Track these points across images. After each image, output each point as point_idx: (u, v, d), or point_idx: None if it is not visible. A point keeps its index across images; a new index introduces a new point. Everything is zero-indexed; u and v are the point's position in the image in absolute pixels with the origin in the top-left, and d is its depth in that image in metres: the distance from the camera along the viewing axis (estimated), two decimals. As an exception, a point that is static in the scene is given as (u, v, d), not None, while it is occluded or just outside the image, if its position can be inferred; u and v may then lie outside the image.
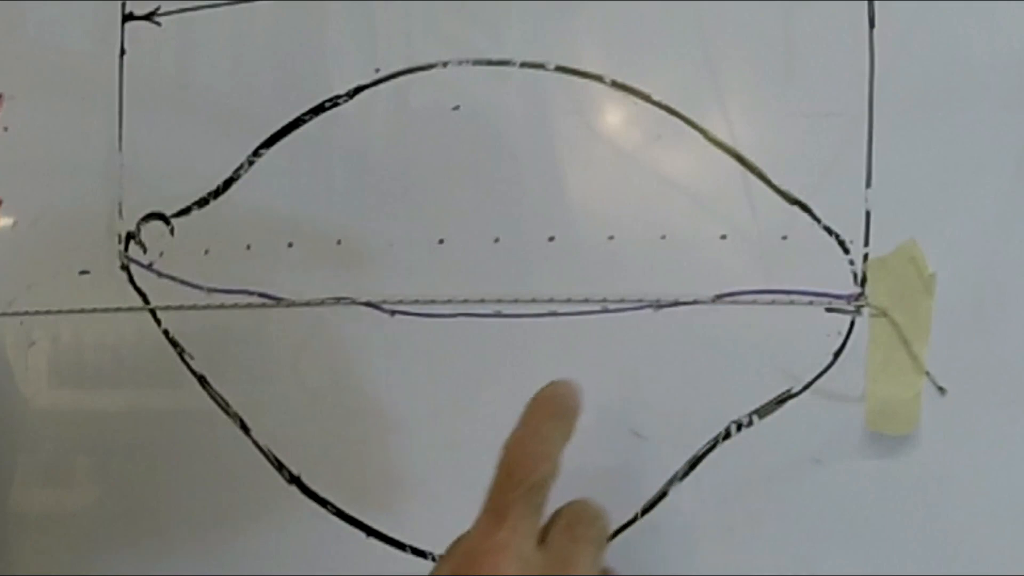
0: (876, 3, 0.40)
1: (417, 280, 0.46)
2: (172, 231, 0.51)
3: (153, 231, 0.52)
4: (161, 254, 0.52)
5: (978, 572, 0.38)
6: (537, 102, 0.45)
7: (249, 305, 0.49)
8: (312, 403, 0.49)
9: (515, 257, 0.45)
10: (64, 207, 0.54)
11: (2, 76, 0.56)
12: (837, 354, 0.40)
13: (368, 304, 0.47)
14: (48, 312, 0.54)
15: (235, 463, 0.50)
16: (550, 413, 0.35)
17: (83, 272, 0.53)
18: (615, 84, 0.43)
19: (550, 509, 0.35)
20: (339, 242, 0.48)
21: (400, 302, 0.46)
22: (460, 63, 0.46)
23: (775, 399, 0.41)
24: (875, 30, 0.40)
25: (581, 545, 0.33)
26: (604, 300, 0.43)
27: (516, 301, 0.44)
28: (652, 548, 0.42)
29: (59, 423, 0.55)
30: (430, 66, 0.46)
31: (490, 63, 0.46)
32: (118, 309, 0.52)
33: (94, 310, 0.53)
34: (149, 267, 0.52)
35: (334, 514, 0.48)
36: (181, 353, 0.51)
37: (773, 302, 0.41)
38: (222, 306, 0.50)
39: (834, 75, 0.40)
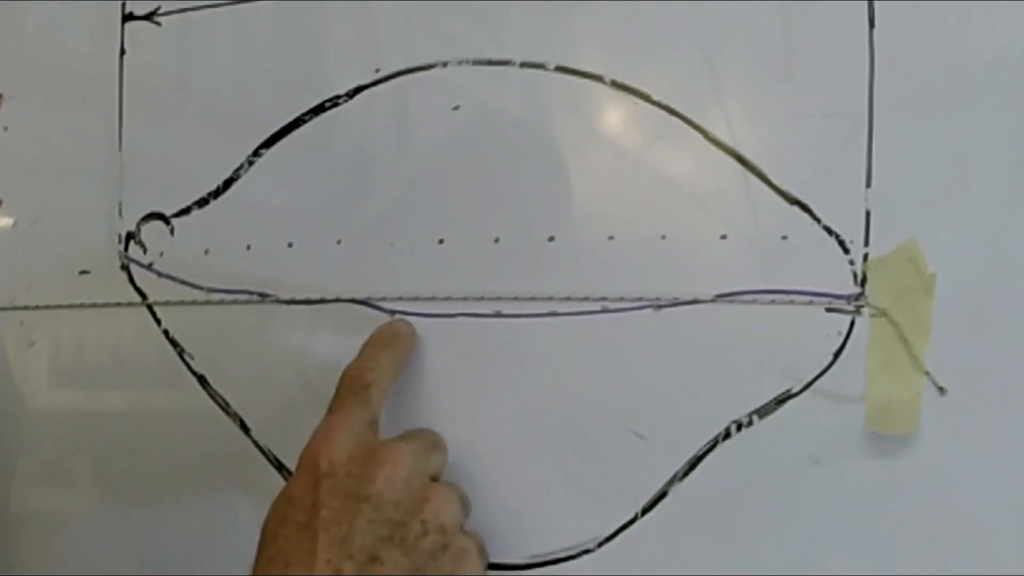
0: (876, 3, 0.40)
1: (417, 280, 0.46)
2: (172, 231, 0.51)
3: (153, 231, 0.52)
4: (161, 254, 0.52)
5: (978, 572, 0.38)
6: (537, 102, 0.45)
7: (248, 303, 0.49)
8: (312, 403, 0.49)
9: (515, 257, 0.45)
10: (64, 207, 0.54)
11: (2, 76, 0.56)
12: (837, 354, 0.40)
13: (368, 304, 0.47)
14: (48, 306, 0.54)
15: (235, 463, 0.50)
16: (378, 344, 0.44)
17: (83, 272, 0.53)
18: (615, 84, 0.43)
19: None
20: (339, 242, 0.48)
21: (400, 301, 0.47)
22: (460, 63, 0.46)
23: (775, 399, 0.41)
24: (875, 30, 0.40)
25: (406, 444, 0.40)
26: (604, 300, 0.43)
27: (516, 300, 0.44)
28: (652, 548, 0.42)
29: (59, 423, 0.55)
30: (430, 66, 0.46)
31: (490, 63, 0.46)
32: (118, 304, 0.52)
33: (94, 305, 0.53)
34: (149, 267, 0.52)
35: (334, 514, 0.48)
36: (181, 353, 0.51)
37: (773, 302, 0.41)
38: (221, 302, 0.50)
39: (834, 75, 0.40)
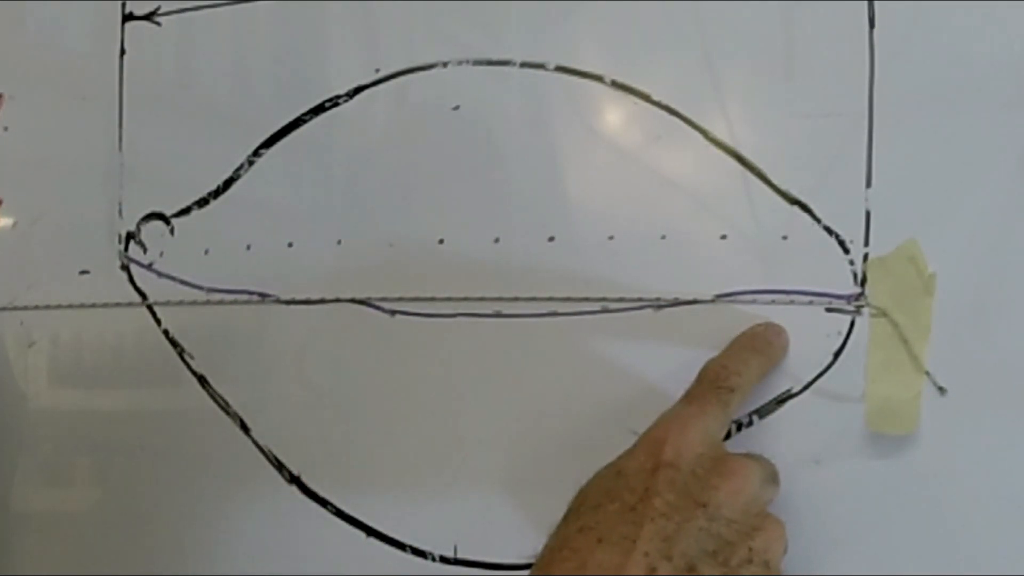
0: (876, 3, 0.40)
1: (417, 280, 0.46)
2: (172, 231, 0.51)
3: (153, 231, 0.52)
4: (161, 254, 0.52)
5: (978, 572, 0.38)
6: (537, 102, 0.45)
7: (248, 303, 0.49)
8: (312, 403, 0.49)
9: (515, 257, 0.45)
10: (64, 207, 0.54)
11: (2, 76, 0.56)
12: (837, 354, 0.40)
13: (368, 304, 0.47)
14: (48, 306, 0.54)
15: (235, 463, 0.50)
16: (750, 346, 0.40)
17: (83, 272, 0.53)
18: (615, 84, 0.43)
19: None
20: (339, 242, 0.48)
21: (400, 301, 0.47)
22: (460, 63, 0.46)
23: (775, 399, 0.41)
24: (875, 30, 0.40)
25: (756, 464, 0.37)
26: (604, 300, 0.43)
27: (516, 300, 0.44)
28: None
29: (59, 423, 0.55)
30: (430, 66, 0.46)
31: (490, 63, 0.46)
32: (117, 304, 0.52)
33: (93, 305, 0.53)
34: (149, 267, 0.52)
35: (334, 514, 0.48)
36: (181, 353, 0.51)
37: (773, 302, 0.41)
38: (221, 303, 0.50)
39: (834, 75, 0.40)
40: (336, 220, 0.48)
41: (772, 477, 0.38)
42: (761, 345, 0.40)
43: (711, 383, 0.38)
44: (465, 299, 0.45)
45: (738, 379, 0.38)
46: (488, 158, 0.46)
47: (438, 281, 0.46)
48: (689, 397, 0.38)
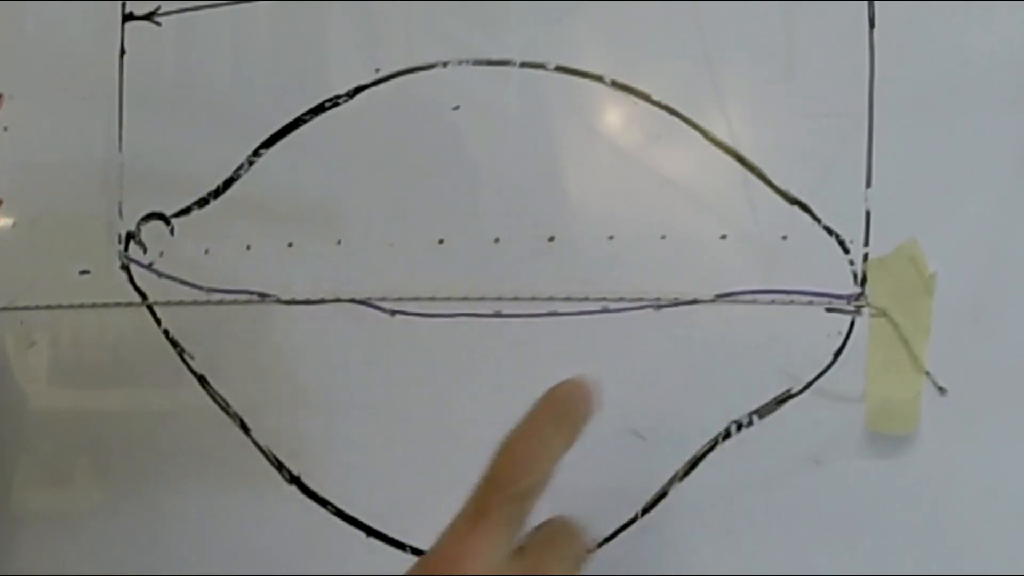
0: (876, 3, 0.40)
1: (417, 280, 0.46)
2: (172, 231, 0.51)
3: (153, 231, 0.52)
4: (161, 254, 0.52)
5: (978, 572, 0.38)
6: (537, 102, 0.45)
7: (248, 303, 0.49)
8: (312, 403, 0.49)
9: (515, 257, 0.45)
10: (64, 207, 0.54)
11: (2, 76, 0.56)
12: (837, 354, 0.40)
13: (368, 304, 0.47)
14: (48, 306, 0.54)
15: (235, 463, 0.50)
16: (554, 416, 0.33)
17: (83, 272, 0.53)
18: (615, 84, 0.43)
19: (539, 517, 0.34)
20: (339, 242, 0.48)
21: (400, 301, 0.47)
22: (460, 63, 0.46)
23: (775, 399, 0.41)
24: (875, 30, 0.40)
25: (557, 562, 0.33)
26: (604, 300, 0.43)
27: (516, 300, 0.44)
28: (652, 548, 0.42)
29: (59, 423, 0.55)
30: (430, 66, 0.46)
31: (490, 63, 0.46)
32: (117, 304, 0.52)
33: (93, 305, 0.53)
34: (149, 267, 0.52)
35: (334, 514, 0.48)
36: (181, 353, 0.51)
37: (773, 302, 0.41)
38: (221, 303, 0.50)
39: (834, 75, 0.40)
40: (336, 220, 0.48)
41: (577, 564, 0.34)
42: (564, 412, 0.34)
43: (498, 490, 0.32)
44: (465, 299, 0.45)
45: (530, 479, 0.32)
46: (488, 158, 0.46)
47: (438, 281, 0.46)
48: (473, 511, 0.33)
